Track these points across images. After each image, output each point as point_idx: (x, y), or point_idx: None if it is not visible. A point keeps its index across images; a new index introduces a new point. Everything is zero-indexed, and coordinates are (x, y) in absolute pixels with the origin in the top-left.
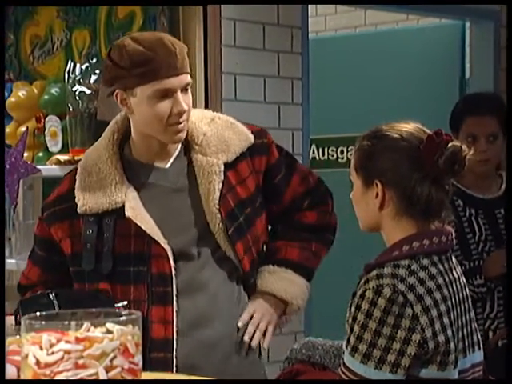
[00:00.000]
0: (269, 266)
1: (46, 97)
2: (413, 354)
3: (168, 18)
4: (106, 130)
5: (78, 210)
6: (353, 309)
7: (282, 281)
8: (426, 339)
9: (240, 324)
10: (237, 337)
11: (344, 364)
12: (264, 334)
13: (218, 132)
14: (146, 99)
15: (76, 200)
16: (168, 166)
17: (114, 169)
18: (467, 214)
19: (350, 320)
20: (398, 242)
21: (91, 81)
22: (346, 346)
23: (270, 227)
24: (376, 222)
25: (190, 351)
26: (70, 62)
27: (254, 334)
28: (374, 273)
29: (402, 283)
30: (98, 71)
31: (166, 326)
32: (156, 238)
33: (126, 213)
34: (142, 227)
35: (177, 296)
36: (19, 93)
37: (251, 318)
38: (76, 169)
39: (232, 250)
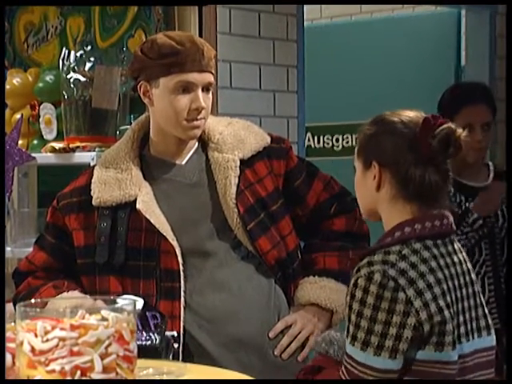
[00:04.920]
0: (309, 278)
1: (40, 84)
2: (410, 337)
3: (163, 6)
4: (128, 129)
5: (93, 203)
6: (348, 298)
7: (324, 290)
8: (421, 322)
9: (271, 334)
10: (267, 335)
11: (347, 353)
12: (303, 346)
13: (235, 132)
14: (167, 91)
15: (92, 193)
16: (184, 162)
17: (131, 164)
18: (457, 200)
19: (347, 310)
20: (391, 229)
21: (86, 68)
22: (347, 336)
23: (301, 240)
24: (374, 205)
25: (217, 348)
26: (64, 49)
27: (288, 346)
28: (365, 261)
29: (393, 268)
30: (92, 58)
31: (173, 320)
32: (164, 234)
33: (138, 205)
34: (152, 221)
35: (194, 293)
36: (14, 80)
37: (289, 327)
38: (95, 165)
39: (252, 246)
